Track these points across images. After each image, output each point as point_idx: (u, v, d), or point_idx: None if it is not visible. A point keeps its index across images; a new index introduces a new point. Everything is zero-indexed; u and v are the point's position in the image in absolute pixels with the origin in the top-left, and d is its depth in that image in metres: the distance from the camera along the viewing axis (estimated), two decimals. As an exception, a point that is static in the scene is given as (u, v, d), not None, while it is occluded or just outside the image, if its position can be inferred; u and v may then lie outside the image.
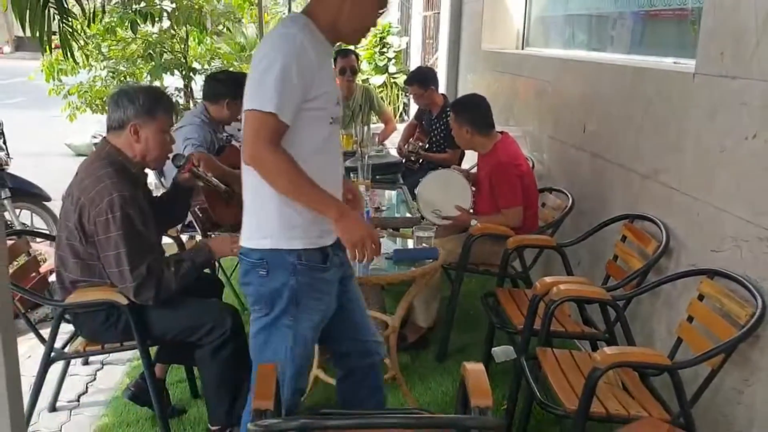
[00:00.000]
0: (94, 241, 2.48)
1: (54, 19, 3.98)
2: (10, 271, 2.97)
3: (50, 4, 3.83)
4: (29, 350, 3.47)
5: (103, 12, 4.77)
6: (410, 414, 2.29)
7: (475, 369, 1.89)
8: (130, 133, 2.55)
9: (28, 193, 4.85)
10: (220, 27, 7.35)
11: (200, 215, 3.71)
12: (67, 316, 2.70)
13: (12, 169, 4.98)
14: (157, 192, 3.74)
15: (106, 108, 2.66)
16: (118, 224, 2.42)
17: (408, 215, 3.44)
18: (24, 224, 4.84)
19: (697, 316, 2.45)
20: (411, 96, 5.21)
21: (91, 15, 3.88)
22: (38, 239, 4.29)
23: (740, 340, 2.15)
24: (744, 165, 2.38)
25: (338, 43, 2.31)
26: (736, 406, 2.39)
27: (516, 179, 3.51)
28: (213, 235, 3.66)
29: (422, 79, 5.03)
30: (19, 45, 28.95)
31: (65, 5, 3.83)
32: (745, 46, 2.38)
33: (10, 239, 3.05)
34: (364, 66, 11.47)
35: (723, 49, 2.51)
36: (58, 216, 4.79)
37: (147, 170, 2.77)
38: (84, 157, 2.74)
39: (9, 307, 1.61)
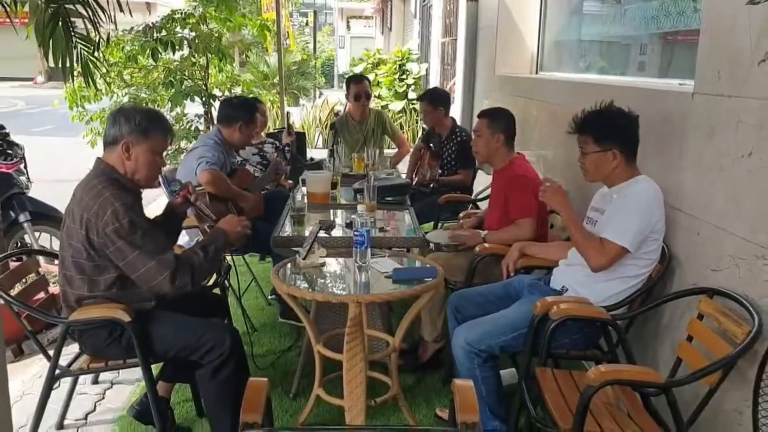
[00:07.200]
0: (106, 254, 2.53)
1: (76, 47, 4.11)
2: (18, 289, 3.05)
3: (73, 34, 3.96)
4: (41, 370, 3.53)
5: (108, 41, 4.91)
6: (398, 427, 2.30)
7: (463, 386, 1.90)
8: (122, 150, 2.60)
9: (47, 217, 4.95)
10: (244, 56, 7.48)
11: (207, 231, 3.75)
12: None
13: (37, 193, 5.11)
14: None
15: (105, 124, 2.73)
16: (127, 230, 2.48)
17: (410, 235, 3.46)
18: (43, 246, 4.93)
19: (696, 336, 2.43)
20: (422, 113, 5.31)
21: (98, 43, 3.99)
22: (56, 261, 4.38)
23: (737, 357, 2.12)
24: (741, 183, 2.37)
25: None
26: (737, 428, 2.35)
27: (530, 192, 3.52)
28: None
29: (432, 98, 5.13)
30: (52, 75, 29.68)
31: (72, 30, 3.94)
32: (741, 65, 2.38)
33: (20, 259, 3.13)
34: (384, 92, 11.61)
35: (719, 68, 2.52)
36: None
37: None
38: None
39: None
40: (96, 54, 4.32)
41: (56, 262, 4.35)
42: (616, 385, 2.42)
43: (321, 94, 17.53)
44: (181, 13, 6.76)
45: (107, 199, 2.49)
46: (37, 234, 4.91)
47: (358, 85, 5.58)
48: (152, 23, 6.67)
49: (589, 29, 5.14)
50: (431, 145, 5.19)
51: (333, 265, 2.99)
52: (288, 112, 6.57)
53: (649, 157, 3.08)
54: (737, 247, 2.38)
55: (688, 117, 2.75)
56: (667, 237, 2.87)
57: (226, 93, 7.51)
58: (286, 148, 5.27)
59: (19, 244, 4.87)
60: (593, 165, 2.80)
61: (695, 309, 2.52)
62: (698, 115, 2.67)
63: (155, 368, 2.88)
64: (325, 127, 11.65)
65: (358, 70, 12.67)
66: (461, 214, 4.27)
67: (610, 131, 2.76)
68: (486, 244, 3.44)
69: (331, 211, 3.92)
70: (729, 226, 2.44)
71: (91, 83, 4.55)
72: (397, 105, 11.39)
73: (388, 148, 6.28)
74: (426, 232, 3.78)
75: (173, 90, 6.81)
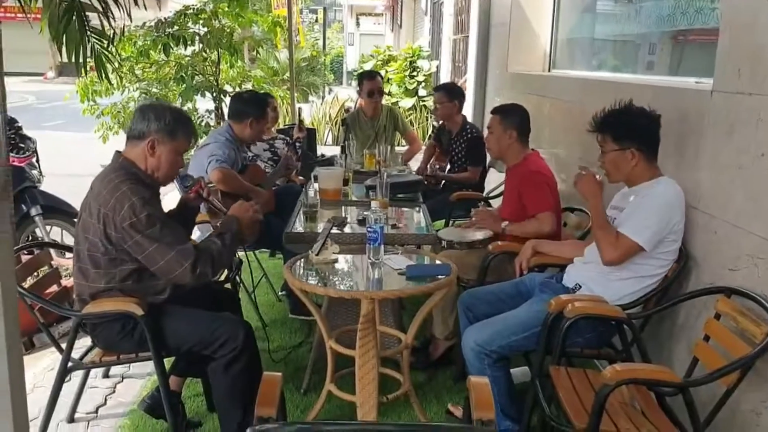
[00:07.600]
0: (124, 248, 2.53)
1: (89, 40, 4.11)
2: (31, 282, 3.05)
3: (87, 28, 3.96)
4: (52, 363, 3.53)
5: (122, 34, 4.91)
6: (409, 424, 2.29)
7: (479, 382, 1.89)
8: (147, 146, 2.61)
9: (59, 211, 4.96)
10: (254, 53, 7.47)
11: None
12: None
13: (49, 188, 5.12)
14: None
15: (131, 118, 2.72)
16: (144, 224, 2.48)
17: (422, 232, 3.45)
18: (54, 240, 4.94)
19: (714, 336, 2.41)
20: (435, 105, 5.29)
21: (111, 37, 4.00)
22: (67, 254, 4.39)
23: (755, 358, 2.10)
24: (760, 181, 2.34)
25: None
26: (755, 429, 2.32)
27: (546, 188, 3.52)
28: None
29: (450, 90, 5.16)
30: (63, 71, 29.79)
31: (86, 24, 3.94)
32: (762, 63, 2.36)
33: (31, 252, 3.13)
34: (394, 89, 11.58)
35: (739, 66, 2.49)
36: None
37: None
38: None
39: (15, 315, 1.64)
40: (109, 48, 4.33)
41: (68, 255, 4.39)
42: (631, 385, 2.40)
43: (331, 90, 17.51)
44: (193, 9, 6.77)
45: (124, 193, 2.48)
46: (48, 228, 4.92)
47: (371, 81, 5.57)
48: (164, 18, 6.67)
49: (603, 27, 5.11)
50: (441, 141, 5.17)
51: (345, 261, 2.98)
52: (299, 108, 6.57)
53: (665, 155, 3.05)
54: (756, 246, 2.36)
55: (705, 115, 2.72)
56: (683, 236, 2.84)
57: (237, 89, 7.51)
58: (297, 144, 5.27)
59: (30, 238, 4.88)
60: (612, 164, 2.78)
61: (712, 308, 2.49)
62: (716, 113, 2.64)
63: (167, 362, 2.87)
64: (335, 124, 11.67)
65: (367, 67, 12.66)
66: (473, 212, 4.25)
67: (628, 130, 2.73)
68: (499, 242, 3.42)
69: (343, 207, 3.91)
70: (747, 225, 2.42)
71: (104, 77, 4.57)
72: (407, 102, 11.36)
73: (399, 145, 6.26)
74: (437, 230, 3.76)
75: (184, 85, 6.82)
